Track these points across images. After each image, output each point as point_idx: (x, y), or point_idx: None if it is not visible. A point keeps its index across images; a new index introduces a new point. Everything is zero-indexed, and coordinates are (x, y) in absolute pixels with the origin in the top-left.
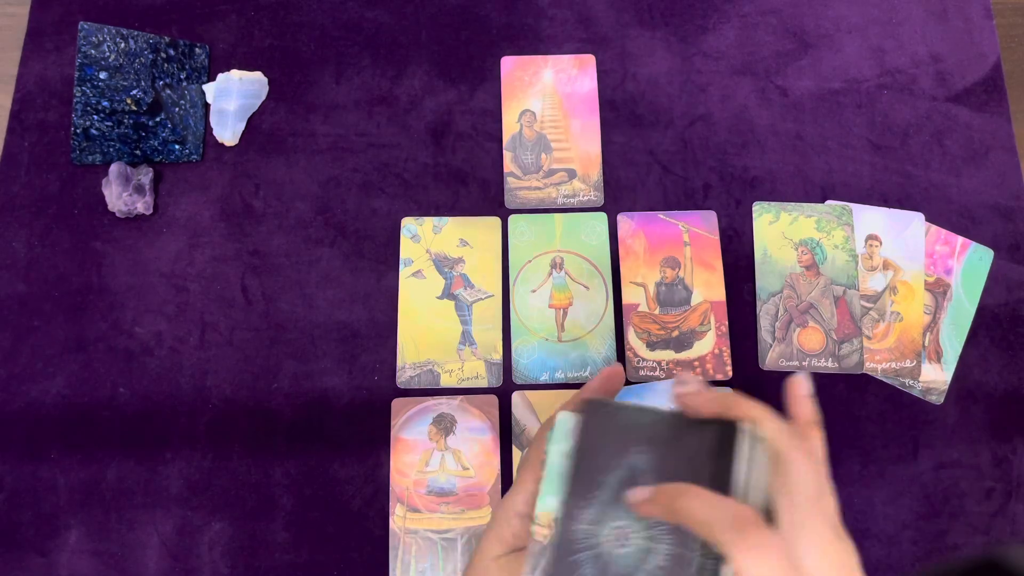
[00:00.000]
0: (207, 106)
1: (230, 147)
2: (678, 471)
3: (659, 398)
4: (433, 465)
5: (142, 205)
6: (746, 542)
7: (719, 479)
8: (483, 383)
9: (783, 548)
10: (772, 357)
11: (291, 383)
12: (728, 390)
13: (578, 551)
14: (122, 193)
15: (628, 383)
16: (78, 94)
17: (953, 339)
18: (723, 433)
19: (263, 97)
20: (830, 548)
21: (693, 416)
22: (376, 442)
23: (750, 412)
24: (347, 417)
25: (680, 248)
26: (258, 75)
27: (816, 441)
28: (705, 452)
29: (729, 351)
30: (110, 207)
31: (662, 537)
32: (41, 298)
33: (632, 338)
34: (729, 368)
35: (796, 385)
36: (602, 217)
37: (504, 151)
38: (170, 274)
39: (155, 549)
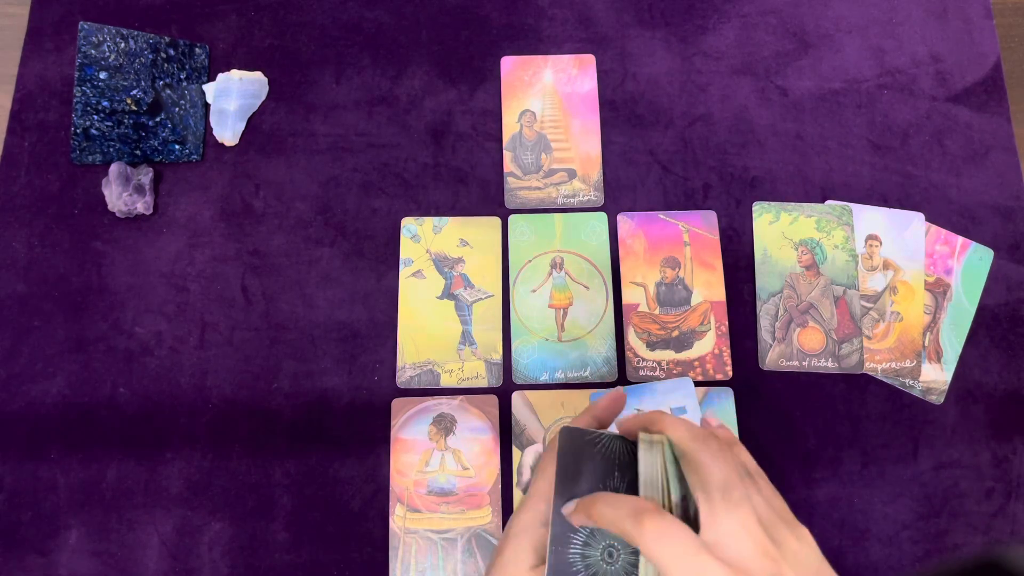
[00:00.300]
0: (207, 106)
1: (230, 147)
2: (633, 486)
3: (659, 398)
4: (433, 465)
5: (142, 205)
6: (645, 528)
7: (660, 488)
8: (483, 383)
9: (686, 531)
10: (772, 357)
11: (291, 383)
12: (728, 391)
13: (575, 573)
14: (122, 193)
15: (628, 383)
16: (78, 94)
17: (953, 339)
18: (633, 448)
19: (263, 97)
20: (753, 533)
21: (627, 434)
22: (376, 442)
23: (663, 421)
24: (347, 417)
25: (680, 248)
26: (258, 75)
27: (720, 439)
28: (631, 464)
29: (729, 351)
30: (110, 207)
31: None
32: (41, 298)
33: (632, 338)
34: (729, 368)
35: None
36: (602, 217)
37: (504, 151)
38: (170, 274)
39: (155, 549)
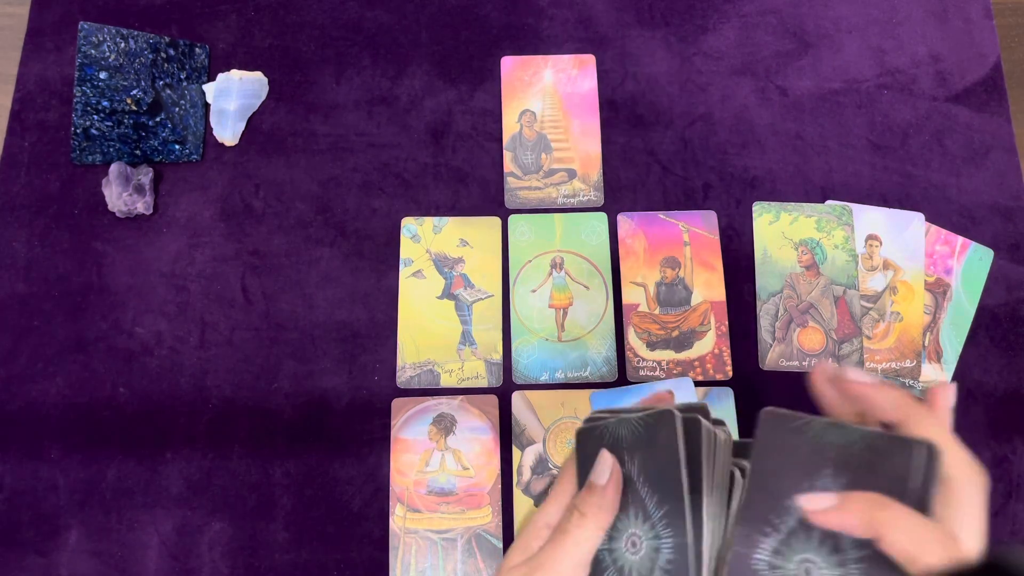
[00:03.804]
0: (207, 106)
1: (230, 147)
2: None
3: None
4: (433, 465)
5: (142, 205)
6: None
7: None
8: (483, 383)
9: None
10: (772, 357)
11: (291, 383)
12: (728, 391)
13: (605, 568)
14: (122, 193)
15: (628, 383)
16: (78, 94)
17: (953, 339)
18: (893, 449)
19: (263, 97)
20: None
21: (870, 416)
22: (376, 442)
23: (931, 432)
24: (347, 417)
25: (680, 248)
26: (258, 75)
27: (981, 468)
28: (888, 470)
29: (729, 351)
30: (110, 207)
31: (664, 534)
32: (41, 298)
33: (632, 338)
34: (729, 368)
35: (947, 395)
36: (602, 217)
37: (504, 151)
38: (170, 274)
39: (155, 549)
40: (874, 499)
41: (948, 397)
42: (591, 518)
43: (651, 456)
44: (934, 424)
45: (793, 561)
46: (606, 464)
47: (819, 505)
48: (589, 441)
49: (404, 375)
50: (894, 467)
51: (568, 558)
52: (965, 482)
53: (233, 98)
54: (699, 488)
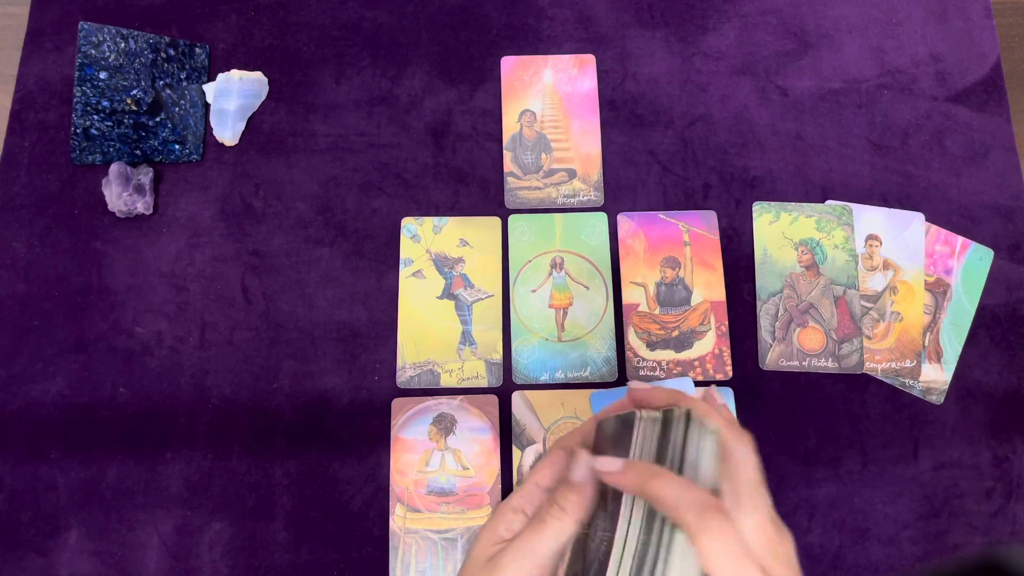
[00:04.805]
0: (207, 106)
1: (230, 147)
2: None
3: None
4: (433, 465)
5: (142, 205)
6: (710, 526)
7: (660, 461)
8: (483, 383)
9: (737, 532)
10: (772, 357)
11: (291, 383)
12: (728, 391)
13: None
14: (122, 193)
15: (628, 383)
16: (78, 94)
17: (953, 339)
18: (665, 422)
19: (263, 97)
20: (767, 532)
21: (646, 409)
22: (376, 442)
23: (697, 405)
24: (347, 417)
25: (680, 248)
26: (258, 75)
27: (750, 438)
28: (651, 441)
29: (729, 351)
30: (110, 207)
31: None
32: (41, 298)
33: (632, 338)
34: (729, 368)
35: (715, 397)
36: (602, 217)
37: (504, 151)
38: (170, 274)
39: (155, 549)
40: (647, 468)
41: (716, 398)
42: (569, 513)
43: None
44: (691, 401)
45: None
46: (584, 463)
47: (608, 467)
48: (610, 435)
49: (404, 375)
50: (659, 439)
51: (544, 546)
52: (734, 446)
53: (233, 98)
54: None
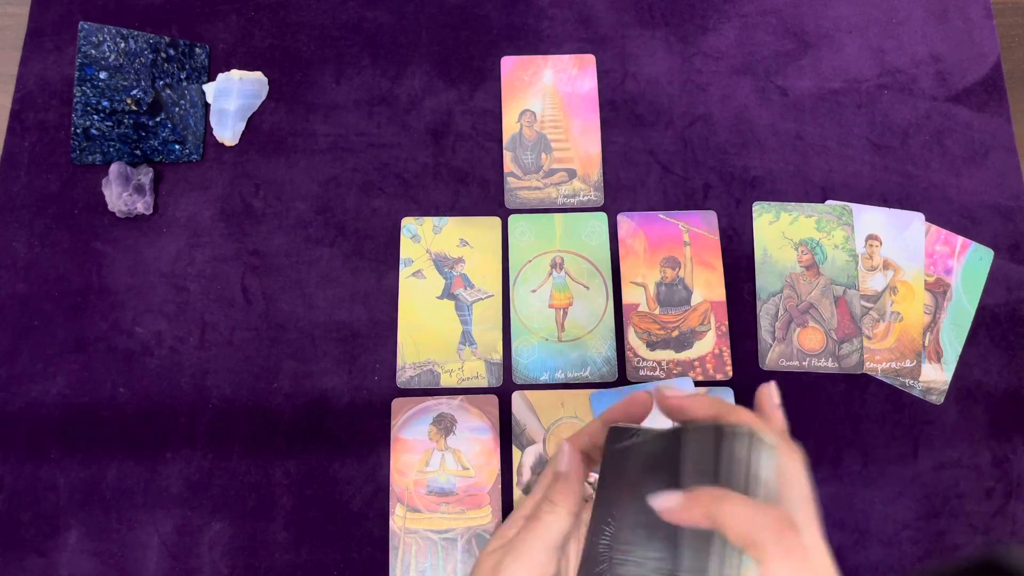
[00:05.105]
0: (207, 106)
1: (230, 147)
2: (688, 482)
3: None
4: (433, 465)
5: (142, 205)
6: (783, 547)
7: (724, 483)
8: (483, 383)
9: (806, 551)
10: (772, 357)
11: (291, 383)
12: (728, 391)
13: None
14: (122, 193)
15: (628, 383)
16: (78, 94)
17: (953, 339)
18: (716, 438)
19: (263, 97)
20: (823, 549)
21: (688, 423)
22: (376, 442)
23: (745, 417)
24: (347, 417)
25: (680, 248)
26: (258, 75)
27: (802, 453)
28: (708, 459)
29: (729, 351)
30: (110, 207)
31: (656, 555)
32: (41, 298)
33: (632, 338)
34: (729, 368)
35: (768, 396)
36: (602, 217)
37: (504, 151)
38: (170, 274)
39: (155, 549)
40: (711, 495)
41: (771, 396)
42: (560, 504)
43: (679, 471)
44: (745, 413)
45: (627, 553)
46: (563, 453)
47: (667, 504)
48: (615, 457)
49: (404, 375)
50: (691, 453)
51: (540, 541)
52: (787, 461)
53: (233, 98)
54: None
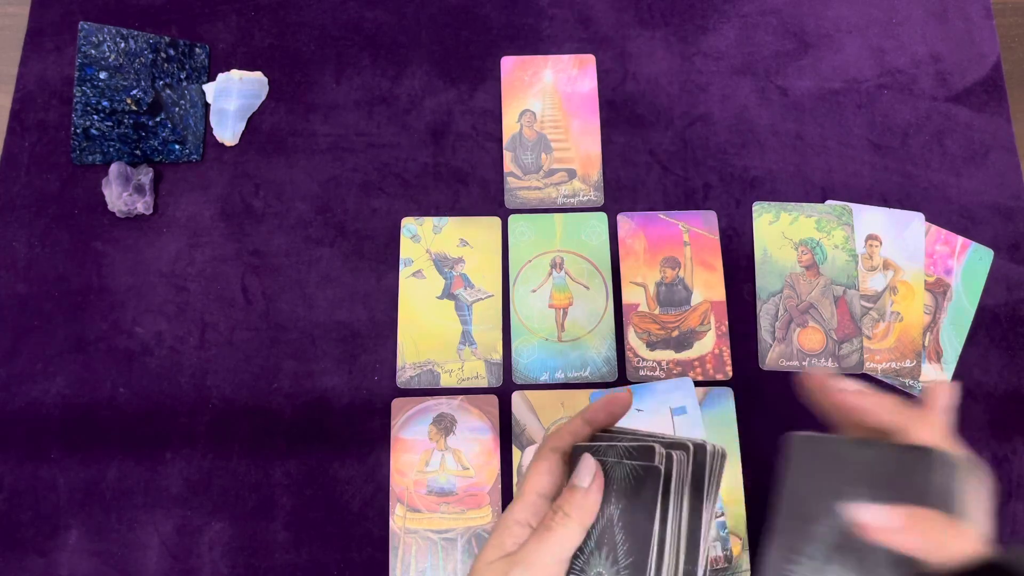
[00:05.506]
0: (207, 106)
1: (230, 147)
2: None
3: (659, 398)
4: (433, 465)
5: (142, 205)
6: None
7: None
8: (483, 383)
9: None
10: (772, 357)
11: (291, 383)
12: (728, 391)
13: None
14: (122, 193)
15: (628, 383)
16: (78, 94)
17: (953, 339)
18: (918, 459)
19: (263, 97)
20: None
21: (868, 423)
22: (376, 442)
23: (933, 436)
24: (347, 417)
25: (680, 248)
26: (258, 75)
27: (983, 468)
28: (920, 482)
29: (729, 351)
30: (110, 207)
31: None
32: (41, 298)
33: (632, 338)
34: (729, 368)
35: (940, 396)
36: (602, 217)
37: (504, 151)
38: (170, 274)
39: (155, 549)
40: (933, 517)
41: (947, 397)
42: (575, 518)
43: (632, 506)
44: (933, 428)
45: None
46: (589, 468)
47: (881, 522)
48: (812, 453)
49: (404, 375)
50: (925, 479)
51: (551, 555)
52: (975, 483)
53: (233, 98)
54: (663, 549)
